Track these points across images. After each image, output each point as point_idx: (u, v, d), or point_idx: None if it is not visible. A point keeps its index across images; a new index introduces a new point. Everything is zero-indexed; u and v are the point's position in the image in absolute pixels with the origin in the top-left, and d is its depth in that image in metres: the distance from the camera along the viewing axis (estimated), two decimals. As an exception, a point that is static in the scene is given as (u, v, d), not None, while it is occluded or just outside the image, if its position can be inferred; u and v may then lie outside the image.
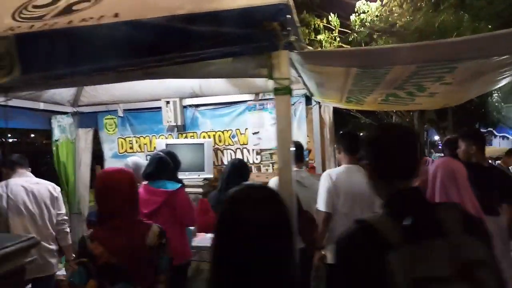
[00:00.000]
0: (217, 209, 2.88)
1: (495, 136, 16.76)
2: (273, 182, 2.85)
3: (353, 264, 0.97)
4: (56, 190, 3.25)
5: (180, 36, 1.72)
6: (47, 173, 4.38)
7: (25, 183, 3.07)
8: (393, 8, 9.51)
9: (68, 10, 2.20)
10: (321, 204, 2.64)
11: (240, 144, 4.44)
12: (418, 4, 8.39)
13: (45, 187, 3.16)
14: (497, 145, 15.24)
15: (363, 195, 2.65)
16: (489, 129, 16.29)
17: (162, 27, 1.74)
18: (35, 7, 2.35)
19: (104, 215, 1.85)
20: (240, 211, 1.06)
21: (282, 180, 1.64)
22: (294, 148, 3.16)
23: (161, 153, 2.83)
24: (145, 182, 2.77)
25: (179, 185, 2.70)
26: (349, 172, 2.67)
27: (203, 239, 3.48)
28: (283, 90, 1.64)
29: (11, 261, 1.73)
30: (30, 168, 3.27)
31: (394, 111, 12.77)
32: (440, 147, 28.21)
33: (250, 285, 1.01)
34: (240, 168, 2.95)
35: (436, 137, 26.02)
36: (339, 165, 2.82)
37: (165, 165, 2.75)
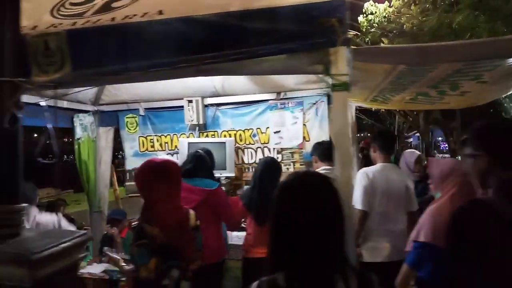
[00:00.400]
0: (250, 207, 2.87)
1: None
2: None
3: (476, 237, 1.01)
4: (61, 226, 2.99)
5: (235, 33, 1.73)
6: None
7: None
8: (401, 10, 9.55)
9: (107, 7, 2.21)
10: (357, 202, 2.64)
11: (261, 143, 4.44)
12: (427, 6, 8.43)
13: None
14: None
15: (399, 194, 2.66)
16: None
17: (217, 24, 1.75)
18: (73, 4, 2.36)
19: (153, 200, 1.98)
20: (295, 195, 1.12)
21: (341, 178, 1.62)
22: (323, 146, 3.18)
23: (200, 150, 2.83)
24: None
25: (217, 183, 2.71)
26: (385, 170, 2.68)
27: (229, 237, 3.48)
28: (341, 86, 1.64)
29: (66, 257, 1.74)
30: (38, 198, 3.04)
31: (398, 110, 12.78)
32: (442, 148, 28.27)
33: (304, 262, 1.07)
34: (272, 166, 2.94)
35: (439, 138, 26.06)
36: (373, 164, 2.83)
37: (203, 163, 2.76)
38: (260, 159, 3.84)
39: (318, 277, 1.06)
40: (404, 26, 8.60)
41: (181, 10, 1.91)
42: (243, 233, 3.47)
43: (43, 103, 1.87)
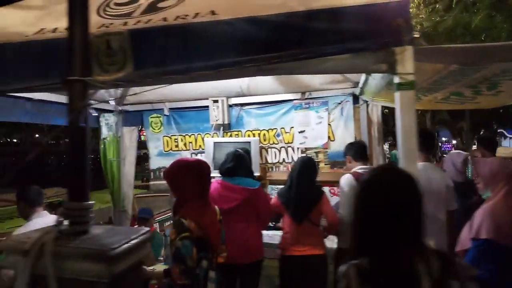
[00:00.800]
0: (287, 206, 2.89)
1: (505, 137, 17.11)
2: (346, 180, 2.88)
3: None
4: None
5: (300, 33, 1.75)
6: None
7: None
8: (410, 10, 9.57)
9: (153, 7, 2.24)
10: (399, 201, 2.66)
11: (285, 143, 4.46)
12: (437, 6, 8.45)
13: None
14: (507, 146, 15.71)
15: (439, 193, 2.69)
16: (500, 130, 16.52)
17: (281, 24, 1.77)
18: (117, 4, 2.38)
19: (186, 198, 2.06)
20: (382, 188, 1.22)
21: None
22: (357, 145, 3.20)
23: (239, 150, 2.85)
24: (219, 178, 2.79)
25: (259, 183, 2.73)
26: (426, 169, 2.71)
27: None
28: (407, 85, 1.66)
29: (135, 254, 1.75)
30: (43, 200, 3.01)
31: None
32: (444, 149, 28.31)
33: (387, 248, 1.17)
34: (309, 165, 2.97)
35: (444, 139, 26.11)
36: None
37: (243, 162, 2.78)
38: (297, 158, 3.85)
39: (400, 260, 1.15)
40: (416, 27, 8.62)
41: (236, 10, 1.92)
42: (274, 232, 3.51)
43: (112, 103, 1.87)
